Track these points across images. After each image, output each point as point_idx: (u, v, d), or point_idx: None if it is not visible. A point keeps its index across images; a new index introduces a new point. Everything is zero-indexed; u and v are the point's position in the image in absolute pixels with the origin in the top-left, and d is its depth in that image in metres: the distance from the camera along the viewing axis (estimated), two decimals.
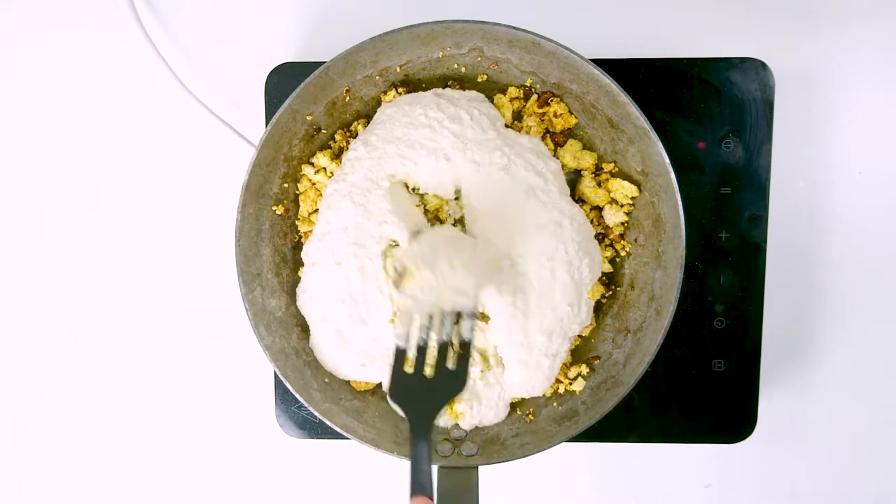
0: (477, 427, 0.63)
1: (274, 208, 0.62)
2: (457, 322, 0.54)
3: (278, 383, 0.67)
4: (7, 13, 0.69)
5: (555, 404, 0.63)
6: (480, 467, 0.59)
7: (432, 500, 0.48)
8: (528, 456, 0.59)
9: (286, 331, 0.62)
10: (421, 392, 0.53)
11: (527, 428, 0.62)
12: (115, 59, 0.69)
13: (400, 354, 0.54)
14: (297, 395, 0.59)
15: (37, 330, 0.71)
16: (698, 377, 0.66)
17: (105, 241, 0.70)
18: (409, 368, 0.54)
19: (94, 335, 0.71)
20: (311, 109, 0.60)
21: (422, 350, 0.54)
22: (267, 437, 0.70)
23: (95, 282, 0.70)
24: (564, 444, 0.59)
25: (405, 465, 0.59)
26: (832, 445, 0.69)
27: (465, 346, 0.54)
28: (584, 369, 0.63)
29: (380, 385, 0.64)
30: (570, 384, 0.63)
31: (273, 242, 0.62)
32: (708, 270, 0.65)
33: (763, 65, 0.63)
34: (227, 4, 0.68)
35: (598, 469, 0.71)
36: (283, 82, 0.64)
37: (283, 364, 0.60)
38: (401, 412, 0.53)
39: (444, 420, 0.62)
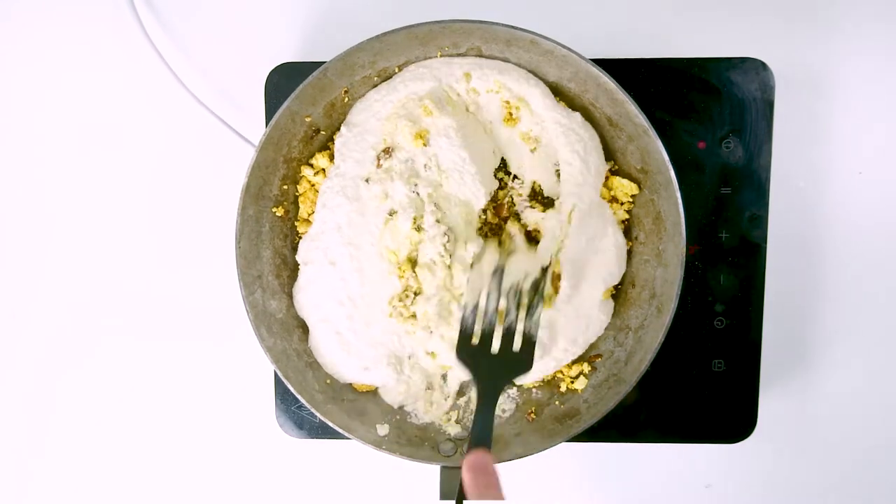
0: None
1: (274, 210, 0.62)
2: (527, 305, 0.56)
3: (278, 383, 0.67)
4: (7, 13, 0.69)
5: (557, 403, 0.63)
6: None
7: (489, 451, 0.49)
8: (529, 455, 0.59)
9: (287, 332, 0.62)
10: (488, 364, 0.55)
11: (529, 427, 0.62)
12: (115, 59, 0.68)
13: (466, 321, 0.56)
14: (299, 397, 0.59)
15: (37, 332, 0.71)
16: (698, 377, 0.66)
17: (104, 242, 0.70)
18: (475, 339, 0.56)
19: (94, 337, 0.71)
20: (310, 111, 0.60)
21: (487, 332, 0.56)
22: (267, 437, 0.70)
23: (95, 283, 0.70)
24: (565, 443, 0.59)
25: (406, 465, 0.59)
26: (832, 445, 0.69)
27: (531, 336, 0.56)
28: (586, 367, 0.63)
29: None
30: (572, 382, 0.63)
31: (273, 244, 0.62)
32: (708, 270, 0.65)
33: (763, 65, 0.63)
34: (227, 5, 0.68)
35: (598, 469, 0.71)
36: (283, 82, 0.64)
37: (285, 366, 0.60)
38: (469, 375, 0.55)
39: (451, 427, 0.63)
